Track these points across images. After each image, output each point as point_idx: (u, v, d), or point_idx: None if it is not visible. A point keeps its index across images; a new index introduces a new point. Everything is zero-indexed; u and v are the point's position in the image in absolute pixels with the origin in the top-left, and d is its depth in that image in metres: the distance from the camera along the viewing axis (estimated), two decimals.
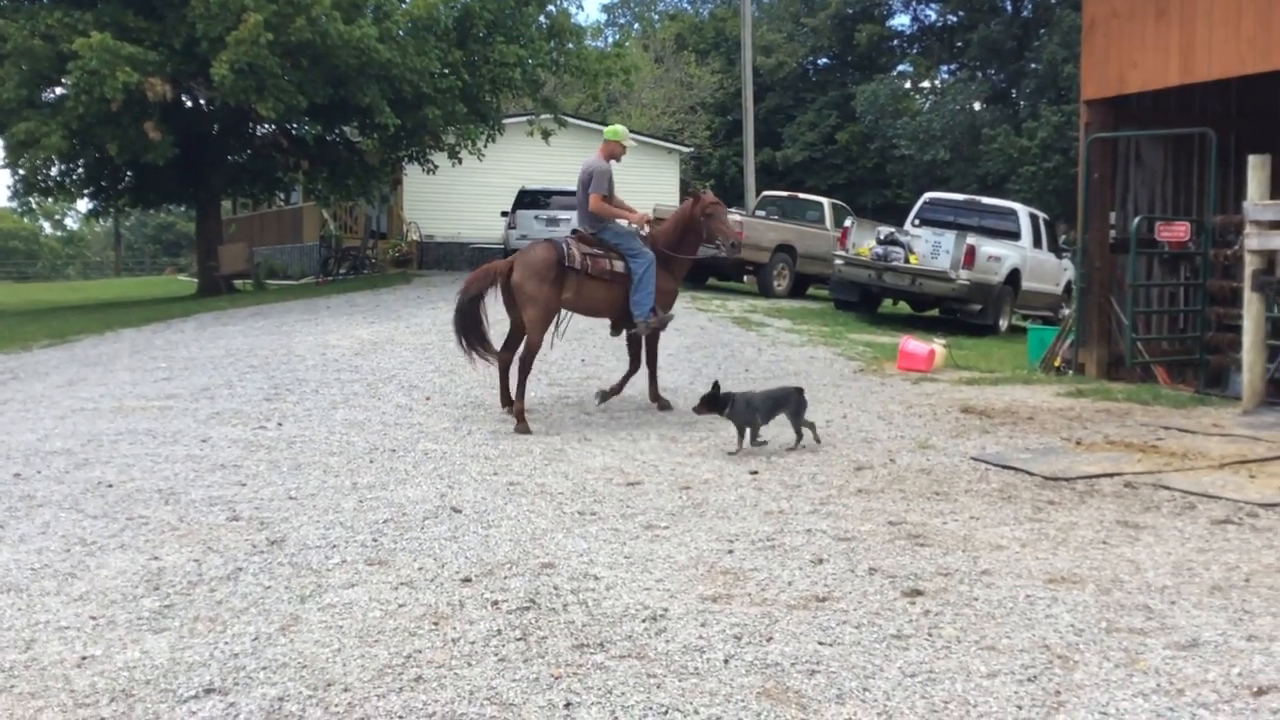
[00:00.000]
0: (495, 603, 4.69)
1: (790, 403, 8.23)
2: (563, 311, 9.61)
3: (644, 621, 4.47)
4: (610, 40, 43.36)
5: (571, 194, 26.77)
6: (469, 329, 9.42)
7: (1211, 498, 6.56)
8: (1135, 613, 4.55)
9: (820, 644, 4.21)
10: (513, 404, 9.07)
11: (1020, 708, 3.63)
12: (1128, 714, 3.58)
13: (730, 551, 5.47)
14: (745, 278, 23.62)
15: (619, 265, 9.62)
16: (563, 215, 26.35)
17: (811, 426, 8.31)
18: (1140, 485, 6.94)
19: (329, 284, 25.97)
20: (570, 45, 25.63)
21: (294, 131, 24.53)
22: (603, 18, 58.21)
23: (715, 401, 8.05)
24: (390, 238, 31.71)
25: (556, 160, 28.75)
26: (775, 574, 5.10)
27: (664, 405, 9.96)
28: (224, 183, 26.09)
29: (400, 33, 21.87)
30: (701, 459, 7.82)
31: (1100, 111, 12.97)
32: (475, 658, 4.10)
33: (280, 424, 8.87)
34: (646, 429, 8.93)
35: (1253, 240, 9.84)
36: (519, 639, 4.28)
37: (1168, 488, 6.84)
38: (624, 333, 10.07)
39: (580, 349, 13.58)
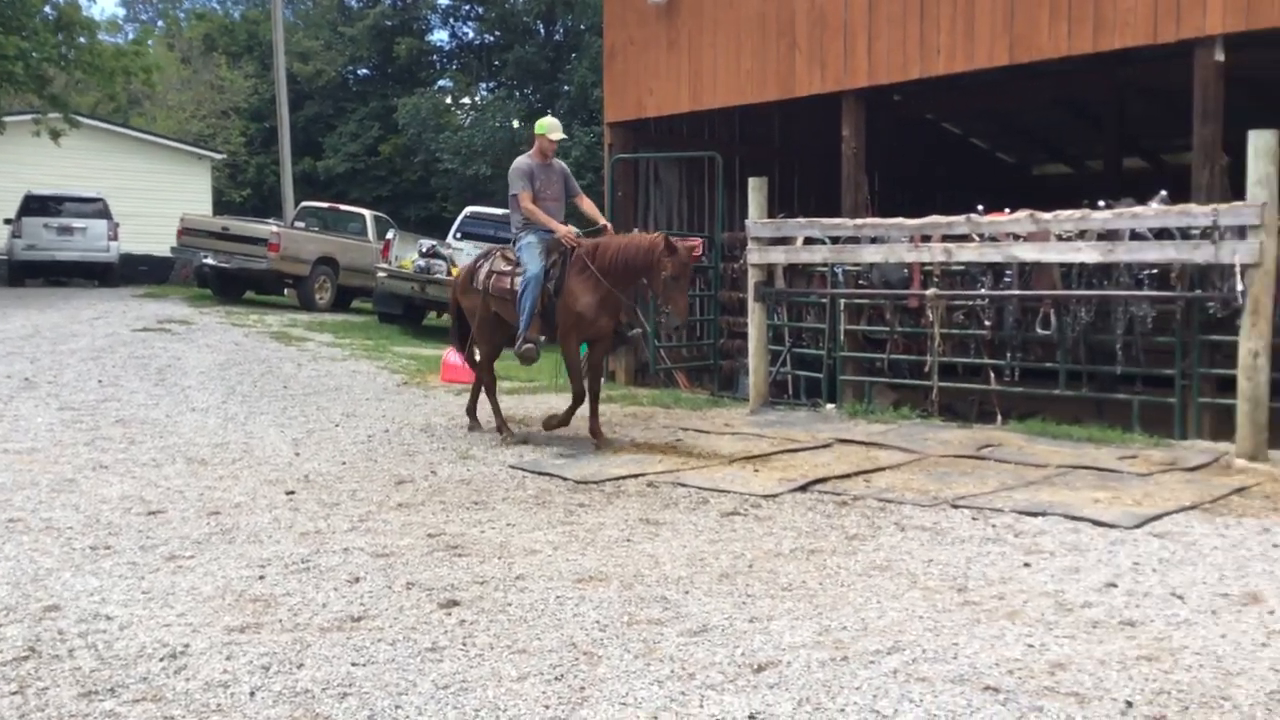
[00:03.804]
0: None
1: None
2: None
3: (162, 660, 4.17)
4: (129, 37, 40.25)
5: (87, 200, 24.73)
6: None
7: (722, 492, 7.15)
8: (654, 605, 4.85)
9: (354, 665, 4.14)
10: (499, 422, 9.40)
11: (548, 707, 3.76)
12: (644, 701, 3.81)
13: (261, 578, 5.25)
14: (285, 291, 22.85)
15: (518, 283, 9.05)
16: (77, 223, 24.18)
17: None
18: (661, 484, 7.43)
19: None
20: (82, 40, 23.51)
21: None
22: (121, 12, 54.07)
23: None
24: None
25: (69, 163, 26.28)
26: (309, 597, 4.95)
27: (602, 442, 8.87)
28: None
29: None
30: (234, 481, 7.44)
31: (622, 134, 13.81)
32: None
33: None
34: (172, 453, 8.37)
35: (754, 255, 10.87)
36: (15, 693, 3.85)
37: (685, 485, 7.38)
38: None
39: (97, 369, 12.53)
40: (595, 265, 8.75)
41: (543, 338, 9.17)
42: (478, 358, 9.87)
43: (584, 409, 9.20)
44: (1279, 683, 3.88)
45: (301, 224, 23.08)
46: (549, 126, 9.39)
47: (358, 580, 5.21)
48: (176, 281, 25.56)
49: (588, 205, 9.65)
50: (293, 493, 7.11)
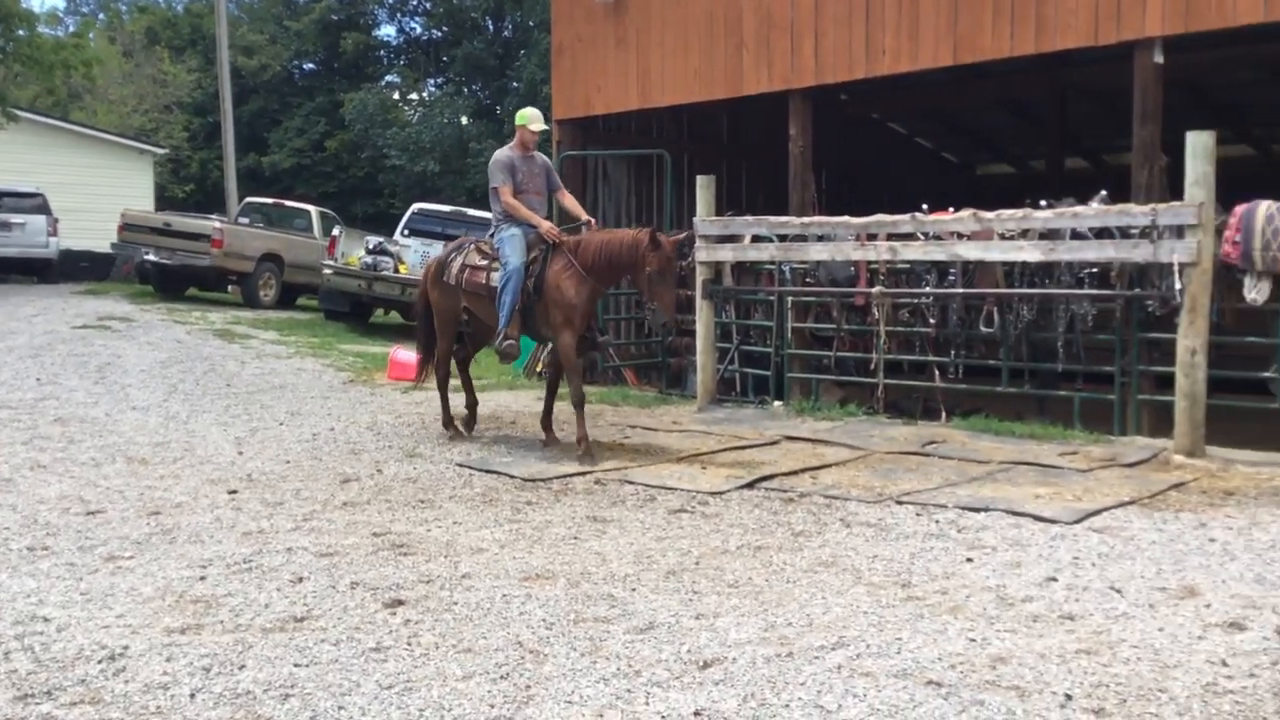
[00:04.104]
0: None
1: None
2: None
3: (100, 662, 4.11)
4: (70, 29, 39.51)
5: (26, 195, 24.24)
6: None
7: (669, 489, 7.16)
8: (600, 602, 4.85)
9: (296, 666, 4.10)
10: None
11: (493, 706, 3.75)
12: (590, 699, 3.81)
13: (202, 578, 5.19)
14: (229, 288, 22.56)
15: (495, 278, 8.69)
16: (15, 219, 23.72)
17: None
18: (609, 482, 7.43)
19: None
20: (21, 32, 23.04)
21: None
22: (62, 5, 53.12)
23: None
24: None
25: (7, 158, 25.71)
26: (252, 597, 4.90)
27: (550, 440, 8.79)
28: None
29: None
30: (175, 481, 7.34)
31: (570, 131, 13.79)
32: None
33: None
34: (111, 452, 8.24)
35: (702, 253, 10.89)
36: None
37: (632, 482, 7.38)
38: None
39: (35, 366, 12.31)
40: (579, 261, 8.44)
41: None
42: (437, 355, 9.57)
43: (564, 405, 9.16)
44: (1214, 675, 3.95)
45: (245, 220, 22.81)
46: (530, 117, 9.00)
47: (301, 580, 5.16)
48: (118, 278, 25.13)
49: (569, 201, 9.30)
50: (235, 492, 7.03)
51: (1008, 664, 4.07)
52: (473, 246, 9.21)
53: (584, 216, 9.12)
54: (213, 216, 24.14)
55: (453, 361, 9.72)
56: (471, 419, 9.48)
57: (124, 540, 5.83)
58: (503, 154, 9.02)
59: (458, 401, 9.54)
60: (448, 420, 9.36)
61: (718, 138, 16.04)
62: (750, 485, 7.26)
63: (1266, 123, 18.10)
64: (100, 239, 24.24)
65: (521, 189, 8.88)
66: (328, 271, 18.81)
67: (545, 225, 8.70)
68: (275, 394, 11.37)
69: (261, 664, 4.11)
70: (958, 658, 4.13)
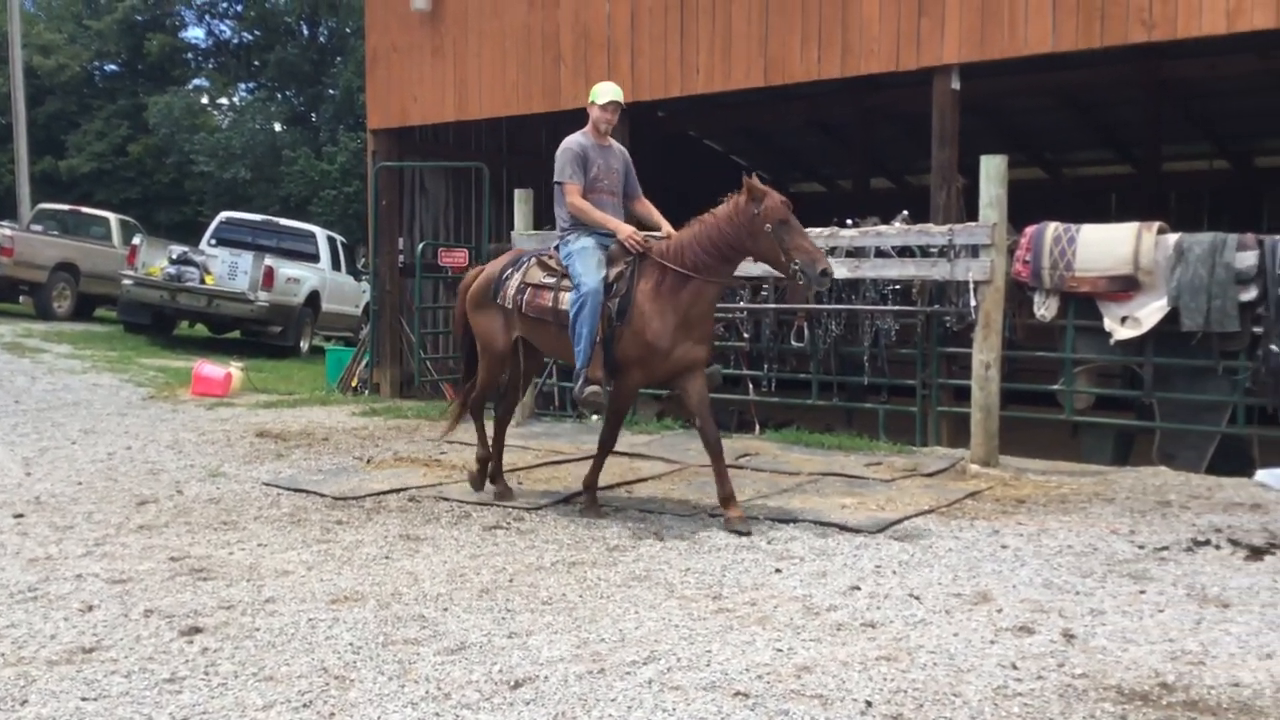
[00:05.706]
0: None
1: None
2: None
3: None
4: None
5: None
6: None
7: (485, 505, 7.09)
8: (411, 624, 4.75)
9: (84, 699, 3.88)
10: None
11: None
12: None
13: None
14: (20, 299, 21.33)
15: (566, 301, 6.78)
16: None
17: None
18: (423, 499, 7.31)
19: None
20: None
21: None
22: None
23: None
24: None
25: None
26: (36, 628, 4.62)
27: (592, 503, 6.95)
28: None
29: None
30: None
31: (386, 141, 13.57)
32: None
33: None
34: None
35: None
36: None
37: (448, 499, 7.28)
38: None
39: None
40: (682, 264, 6.60)
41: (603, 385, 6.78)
42: (478, 390, 7.73)
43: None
44: (1005, 678, 4.13)
45: (39, 227, 21.62)
46: (599, 91, 7.12)
47: (91, 609, 4.89)
48: None
49: (649, 209, 7.31)
50: (21, 516, 6.64)
51: (812, 673, 4.16)
52: (534, 261, 7.18)
53: (666, 229, 7.06)
54: (3, 223, 22.78)
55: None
56: (485, 474, 7.56)
57: None
58: (573, 141, 7.05)
59: (264, 419, 9.24)
60: (496, 474, 7.52)
61: (537, 150, 15.99)
62: (567, 500, 7.26)
63: (1057, 147, 19.21)
64: None
65: (593, 187, 7.02)
66: (127, 282, 18.00)
67: (626, 230, 6.87)
68: (68, 411, 10.80)
69: (46, 698, 3.87)
70: (765, 668, 4.21)
